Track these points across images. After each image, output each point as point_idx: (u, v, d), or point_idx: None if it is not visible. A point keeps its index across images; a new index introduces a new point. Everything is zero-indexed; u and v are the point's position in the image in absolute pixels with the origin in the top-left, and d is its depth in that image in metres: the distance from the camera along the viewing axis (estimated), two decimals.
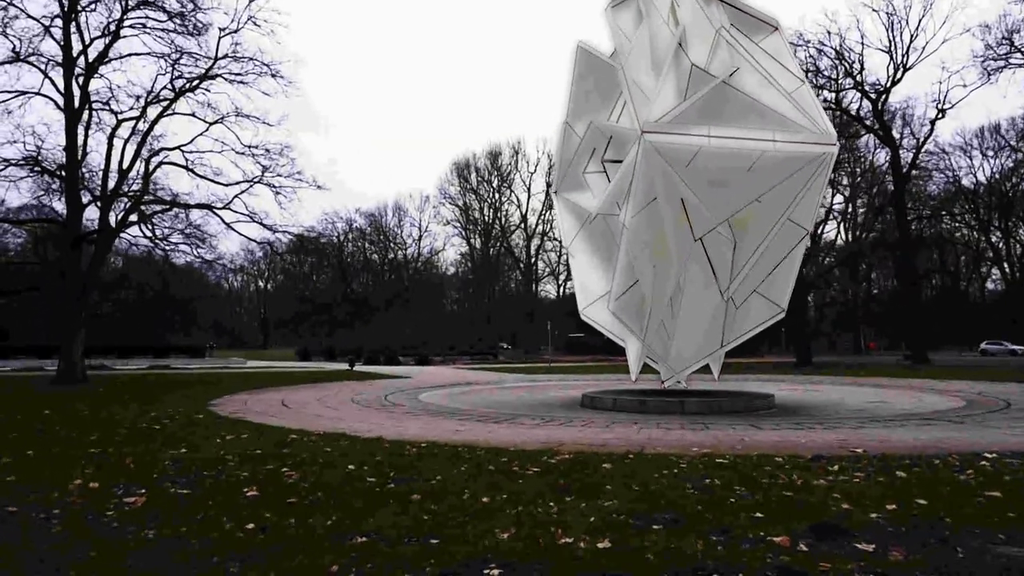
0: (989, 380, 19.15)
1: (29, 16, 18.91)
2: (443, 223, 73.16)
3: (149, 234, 21.14)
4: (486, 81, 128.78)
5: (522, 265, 70.55)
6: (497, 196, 70.49)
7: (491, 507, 4.86)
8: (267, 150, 21.52)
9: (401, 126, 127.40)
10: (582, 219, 15.23)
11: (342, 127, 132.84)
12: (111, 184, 19.64)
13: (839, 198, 43.72)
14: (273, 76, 21.18)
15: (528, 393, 16.84)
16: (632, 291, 13.22)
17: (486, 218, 71.22)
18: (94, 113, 19.83)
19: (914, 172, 40.78)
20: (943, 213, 54.34)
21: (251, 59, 20.93)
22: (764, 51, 13.21)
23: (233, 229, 21.43)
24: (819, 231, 48.68)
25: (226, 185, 21.34)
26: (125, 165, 19.79)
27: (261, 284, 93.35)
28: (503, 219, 70.98)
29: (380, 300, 69.81)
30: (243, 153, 21.43)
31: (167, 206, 20.94)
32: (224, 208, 20.94)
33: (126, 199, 20.17)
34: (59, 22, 19.03)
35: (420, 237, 74.86)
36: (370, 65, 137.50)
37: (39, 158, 18.84)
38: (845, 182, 41.97)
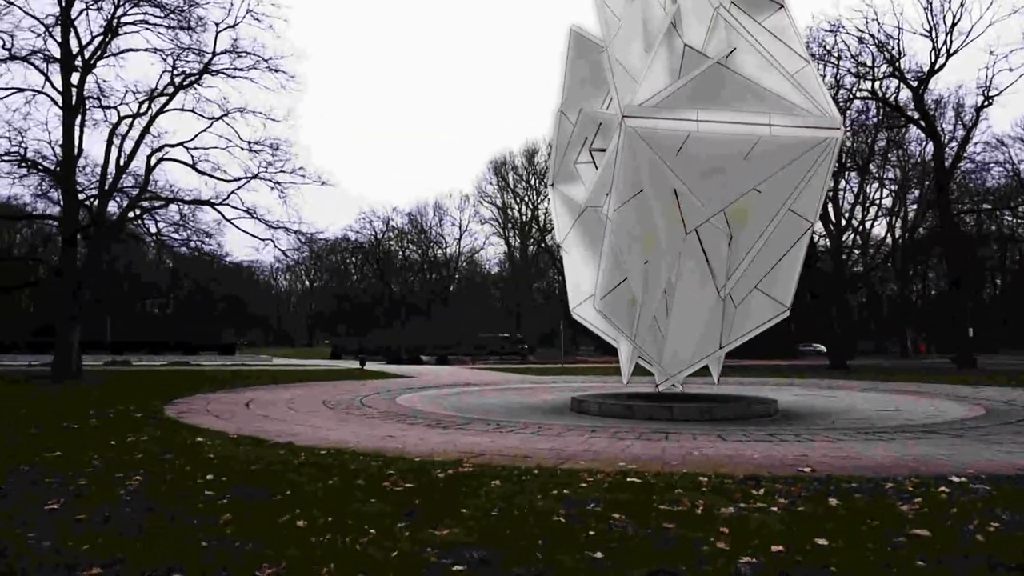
0: None
1: (28, 14, 18.95)
2: (481, 222, 72.62)
3: (151, 229, 21.15)
4: (523, 78, 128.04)
5: (559, 265, 69.48)
6: (535, 195, 69.53)
7: (298, 532, 4.12)
8: (269, 146, 21.25)
9: (439, 124, 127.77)
10: (575, 213, 14.38)
11: (373, 124, 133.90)
12: (109, 180, 19.61)
13: (886, 193, 41.40)
14: (273, 71, 20.90)
15: (521, 396, 15.98)
16: (621, 288, 12.28)
17: (523, 217, 70.32)
18: (94, 109, 19.90)
19: (967, 165, 38.19)
20: (1006, 210, 51.12)
21: (251, 53, 20.71)
22: (767, 30, 12.13)
23: (234, 225, 21.23)
24: (868, 228, 46.52)
25: (228, 181, 21.16)
26: (123, 161, 19.73)
27: (307, 283, 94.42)
28: (541, 218, 69.96)
29: (420, 299, 69.72)
30: (247, 149, 21.22)
31: (164, 202, 20.81)
32: (222, 204, 20.73)
33: (124, 195, 20.13)
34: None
35: (460, 237, 74.53)
36: (404, 63, 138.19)
37: (26, 154, 18.92)
38: (891, 176, 39.68)
